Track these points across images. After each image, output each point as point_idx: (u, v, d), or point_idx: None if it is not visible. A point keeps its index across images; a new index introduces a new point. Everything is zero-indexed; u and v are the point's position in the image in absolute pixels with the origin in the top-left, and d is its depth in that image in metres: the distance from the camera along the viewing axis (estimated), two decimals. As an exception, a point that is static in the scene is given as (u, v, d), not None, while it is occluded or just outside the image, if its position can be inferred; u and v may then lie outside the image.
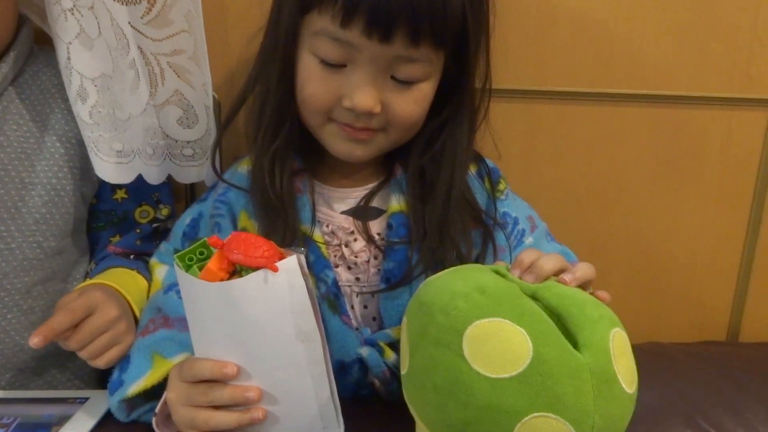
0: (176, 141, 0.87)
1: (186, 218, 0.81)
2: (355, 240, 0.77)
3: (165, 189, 0.92)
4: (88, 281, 0.79)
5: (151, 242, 0.91)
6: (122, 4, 0.78)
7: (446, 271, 0.62)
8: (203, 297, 0.56)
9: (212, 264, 0.55)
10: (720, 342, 1.09)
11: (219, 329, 0.57)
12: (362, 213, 0.78)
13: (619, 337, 0.55)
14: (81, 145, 0.81)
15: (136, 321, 0.76)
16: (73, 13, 0.75)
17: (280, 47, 0.72)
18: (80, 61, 0.77)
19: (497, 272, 0.60)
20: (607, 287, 1.01)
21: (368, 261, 0.76)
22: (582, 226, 1.04)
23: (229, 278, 0.55)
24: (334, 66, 0.69)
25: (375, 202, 0.79)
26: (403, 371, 0.59)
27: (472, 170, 0.81)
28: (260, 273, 0.54)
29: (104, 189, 0.87)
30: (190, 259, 0.57)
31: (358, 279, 0.77)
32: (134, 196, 0.89)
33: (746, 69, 0.98)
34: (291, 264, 0.55)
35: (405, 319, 0.60)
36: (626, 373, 0.54)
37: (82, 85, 0.78)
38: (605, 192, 1.03)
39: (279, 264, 0.54)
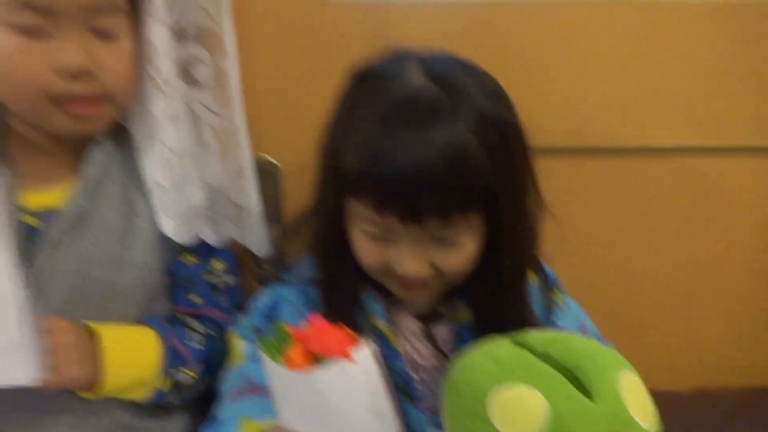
0: (242, 207, 0.93)
1: (266, 298, 0.85)
2: (420, 342, 0.81)
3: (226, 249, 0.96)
4: None
5: (212, 300, 0.93)
6: (197, 88, 0.87)
7: (469, 348, 0.67)
8: (286, 382, 0.62)
9: (294, 353, 0.60)
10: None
11: (301, 408, 0.63)
12: (429, 317, 0.82)
13: (627, 378, 0.59)
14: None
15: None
16: (167, 96, 0.82)
17: (328, 218, 0.77)
18: (168, 135, 0.83)
19: (515, 340, 0.65)
20: (647, 332, 1.08)
21: (430, 363, 0.81)
22: (617, 273, 1.07)
23: (310, 365, 0.60)
24: (381, 238, 0.73)
25: (442, 308, 0.82)
26: None
27: (533, 280, 0.83)
28: (338, 362, 0.59)
29: (178, 255, 0.91)
30: (273, 345, 0.63)
31: (422, 378, 0.81)
32: (203, 259, 0.93)
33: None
34: (365, 352, 0.60)
35: (442, 398, 0.65)
36: (640, 410, 0.58)
37: (164, 155, 0.84)
38: (637, 239, 1.06)
39: (354, 352, 0.59)
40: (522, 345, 0.63)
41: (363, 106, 0.71)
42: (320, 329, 0.61)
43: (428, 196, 0.67)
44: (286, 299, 0.84)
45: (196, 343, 0.87)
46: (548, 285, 0.84)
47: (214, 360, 0.88)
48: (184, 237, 0.87)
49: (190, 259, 0.91)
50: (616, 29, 0.97)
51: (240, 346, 0.84)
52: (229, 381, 0.81)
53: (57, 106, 0.76)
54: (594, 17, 0.97)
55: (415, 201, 0.68)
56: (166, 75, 0.82)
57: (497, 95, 0.74)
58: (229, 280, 0.94)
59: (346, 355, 0.59)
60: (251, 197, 0.91)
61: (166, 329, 0.85)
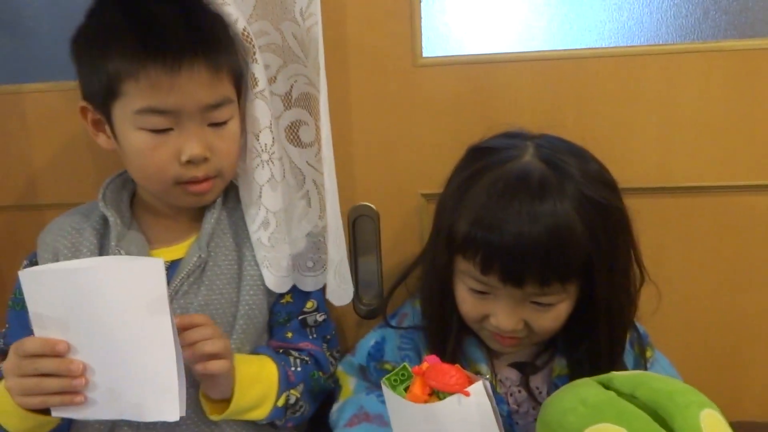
0: (332, 254, 1.02)
1: (371, 340, 0.95)
2: (520, 391, 0.89)
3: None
4: None
5: (302, 334, 1.02)
6: (302, 148, 0.97)
7: (558, 390, 0.74)
8: (408, 413, 0.70)
9: (416, 388, 0.68)
10: None
11: None
12: (527, 368, 0.89)
13: (709, 416, 0.65)
14: None
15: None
16: (267, 164, 0.92)
17: (437, 272, 0.86)
18: (268, 198, 0.94)
19: (601, 382, 0.71)
20: (743, 364, 1.11)
21: (527, 411, 0.88)
22: (715, 308, 1.10)
23: (429, 399, 0.68)
24: (482, 293, 0.82)
25: (539, 360, 0.90)
26: None
27: (626, 337, 0.89)
28: (455, 397, 0.67)
29: (278, 296, 1.01)
30: (395, 380, 0.71)
31: (517, 423, 0.89)
32: (297, 299, 1.03)
33: None
34: (478, 388, 0.68)
35: None
36: None
37: (266, 217, 0.94)
38: (735, 275, 1.08)
39: (469, 389, 0.67)
40: (608, 386, 0.70)
41: (478, 178, 0.80)
42: (438, 367, 0.69)
43: (530, 263, 0.76)
44: (391, 341, 0.93)
45: (295, 367, 0.97)
46: (641, 343, 0.90)
47: (308, 384, 0.97)
48: (282, 288, 0.98)
49: (287, 299, 1.01)
50: (700, 75, 1.01)
51: (349, 382, 0.93)
52: (344, 411, 0.90)
53: (179, 186, 0.89)
54: (678, 66, 1.01)
55: (517, 266, 0.76)
56: (267, 144, 0.92)
57: (601, 178, 0.81)
58: (318, 317, 1.03)
59: (462, 390, 0.67)
60: (340, 245, 0.99)
61: (276, 355, 0.96)
